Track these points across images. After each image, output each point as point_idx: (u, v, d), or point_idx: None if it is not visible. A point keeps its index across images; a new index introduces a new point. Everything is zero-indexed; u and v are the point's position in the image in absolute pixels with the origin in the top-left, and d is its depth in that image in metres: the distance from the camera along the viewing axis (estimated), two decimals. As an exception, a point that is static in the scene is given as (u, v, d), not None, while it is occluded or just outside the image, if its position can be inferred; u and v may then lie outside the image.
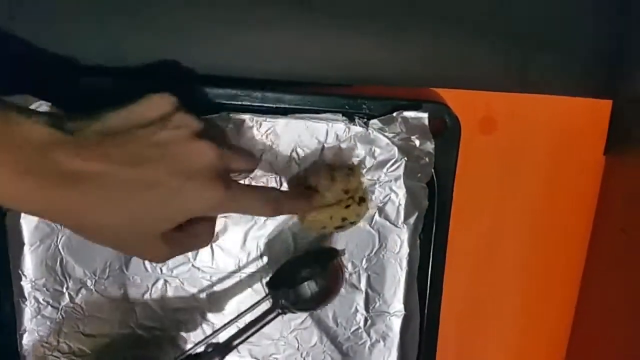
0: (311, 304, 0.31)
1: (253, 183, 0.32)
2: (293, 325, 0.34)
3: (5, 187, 0.20)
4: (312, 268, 0.31)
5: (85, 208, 0.21)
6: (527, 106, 0.35)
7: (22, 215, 0.31)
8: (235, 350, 0.34)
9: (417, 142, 0.32)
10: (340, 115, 0.32)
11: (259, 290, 0.33)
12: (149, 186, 0.22)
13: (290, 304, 0.30)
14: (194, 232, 0.26)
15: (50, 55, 0.30)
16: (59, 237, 0.31)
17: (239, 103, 0.30)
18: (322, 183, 0.30)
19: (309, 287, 0.30)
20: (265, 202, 0.26)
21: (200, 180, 0.23)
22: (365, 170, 0.33)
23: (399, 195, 0.34)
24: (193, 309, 0.33)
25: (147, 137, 0.23)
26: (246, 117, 0.32)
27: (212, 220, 0.28)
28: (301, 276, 0.31)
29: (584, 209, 0.37)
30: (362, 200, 0.31)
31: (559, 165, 0.36)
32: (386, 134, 0.33)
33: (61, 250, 0.31)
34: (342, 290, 0.35)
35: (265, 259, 0.33)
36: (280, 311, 0.31)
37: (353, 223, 0.32)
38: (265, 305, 0.31)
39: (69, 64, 0.30)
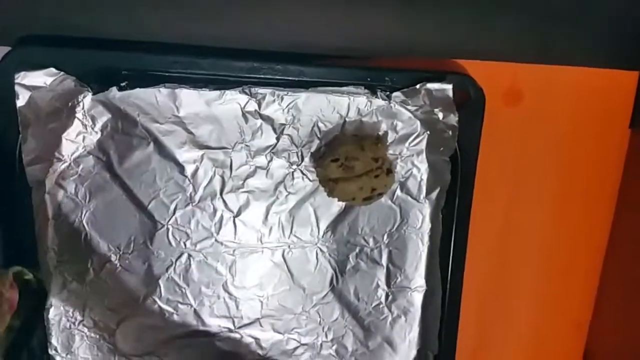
0: None
1: (275, 159, 0.33)
2: (315, 300, 0.34)
3: None
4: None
5: None
6: (552, 78, 0.34)
7: (47, 190, 0.31)
8: (258, 324, 0.34)
9: (441, 115, 0.32)
10: (363, 88, 0.31)
11: (279, 260, 0.33)
12: None
13: None
14: None
15: (72, 28, 0.29)
16: (83, 213, 0.31)
17: (261, 76, 0.30)
18: (351, 153, 0.30)
19: None
20: None
21: None
22: (388, 143, 0.33)
23: (421, 169, 0.34)
24: (216, 282, 0.33)
25: None
26: (267, 91, 0.31)
27: None
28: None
29: (608, 182, 0.36)
30: (389, 171, 0.31)
31: (584, 138, 0.35)
32: (408, 107, 0.33)
33: (85, 226, 0.31)
34: (364, 265, 0.35)
35: (286, 234, 0.33)
36: None
37: (380, 195, 0.31)
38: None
39: (93, 38, 0.30)
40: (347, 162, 0.30)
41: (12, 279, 0.28)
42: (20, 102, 0.28)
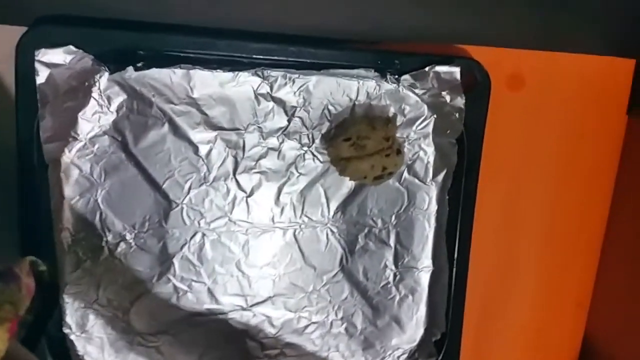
0: None
1: (286, 140, 0.33)
2: (325, 279, 0.35)
3: None
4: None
5: None
6: (553, 64, 0.35)
7: (63, 169, 0.31)
8: (269, 302, 0.35)
9: (448, 98, 0.33)
10: (372, 71, 0.32)
11: (290, 239, 0.34)
12: None
13: None
14: None
15: (90, 8, 0.30)
16: (99, 192, 0.32)
17: (275, 58, 0.31)
18: (363, 132, 0.31)
19: None
20: None
21: None
22: (397, 125, 0.34)
23: (428, 152, 0.35)
24: (229, 261, 0.34)
25: None
26: (279, 74, 0.32)
27: None
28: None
29: (607, 165, 0.38)
30: (399, 151, 0.32)
31: (583, 122, 0.37)
32: (416, 90, 0.34)
33: (100, 204, 0.32)
34: (372, 245, 0.36)
35: (297, 213, 0.34)
36: None
37: (390, 174, 0.32)
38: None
39: (110, 19, 0.30)
40: (359, 141, 0.31)
41: (29, 268, 0.28)
42: (39, 80, 0.28)
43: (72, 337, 0.33)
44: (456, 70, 0.32)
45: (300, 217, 0.34)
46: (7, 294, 0.24)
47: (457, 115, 0.33)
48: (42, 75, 0.28)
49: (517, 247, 0.38)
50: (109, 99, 0.31)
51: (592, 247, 0.39)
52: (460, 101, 0.32)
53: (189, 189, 0.32)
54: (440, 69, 0.32)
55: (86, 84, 0.30)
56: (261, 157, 0.33)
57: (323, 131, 0.33)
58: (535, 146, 0.37)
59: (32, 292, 0.27)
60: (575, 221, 0.38)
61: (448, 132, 0.33)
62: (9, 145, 0.29)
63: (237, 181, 0.33)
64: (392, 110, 0.33)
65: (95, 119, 0.31)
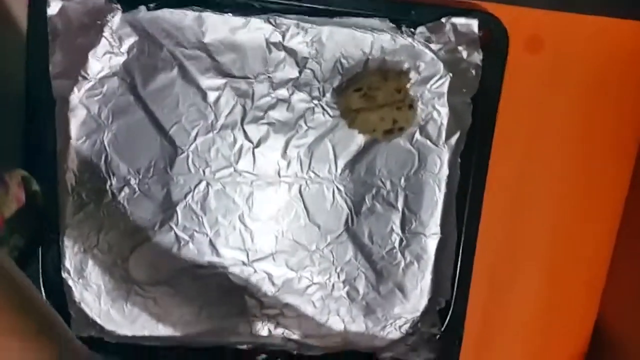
0: None
1: (296, 92, 0.32)
2: (329, 239, 0.34)
3: None
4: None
5: None
6: (575, 26, 0.34)
7: (70, 109, 0.31)
8: (271, 259, 0.34)
9: (465, 54, 0.32)
10: (388, 21, 0.31)
11: (296, 195, 0.33)
12: None
13: None
14: None
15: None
16: (106, 134, 0.32)
17: (287, 2, 0.30)
18: (374, 83, 0.30)
19: None
20: None
21: None
22: (411, 82, 0.32)
23: (442, 113, 0.34)
24: (233, 213, 0.33)
25: None
26: (292, 22, 0.32)
27: None
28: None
29: (627, 137, 0.36)
30: (411, 107, 0.31)
31: (604, 89, 0.35)
32: (432, 46, 0.33)
33: (107, 147, 0.32)
34: (379, 207, 0.34)
35: (304, 168, 0.33)
36: None
37: (401, 130, 0.31)
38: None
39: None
40: (369, 92, 0.30)
41: (21, 181, 0.28)
42: (51, 11, 0.28)
43: (70, 282, 0.33)
44: (474, 22, 0.31)
45: (307, 172, 0.33)
46: None
47: (473, 72, 0.32)
48: (54, 6, 0.28)
49: (529, 217, 0.36)
50: (120, 39, 0.31)
51: (609, 220, 0.37)
52: (477, 57, 0.31)
53: (196, 135, 0.32)
54: (458, 20, 0.31)
55: (98, 22, 0.30)
56: (270, 107, 0.32)
57: (335, 85, 0.33)
58: (552, 112, 0.35)
59: (20, 203, 0.27)
60: (592, 193, 0.36)
61: (464, 90, 0.32)
62: (18, 79, 0.29)
63: (244, 131, 0.32)
64: (406, 65, 0.32)
65: (105, 59, 0.31)
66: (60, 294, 0.33)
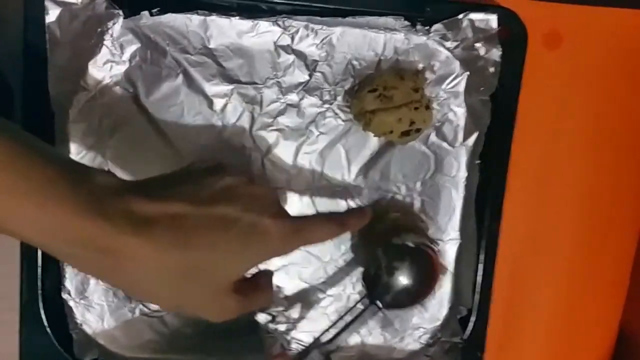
0: (406, 303, 0.32)
1: (306, 96, 0.31)
2: (343, 249, 0.33)
3: (79, 229, 0.20)
4: (406, 261, 0.31)
5: (156, 254, 0.21)
6: (594, 19, 0.33)
7: (71, 119, 0.29)
8: (283, 271, 0.33)
9: (482, 50, 0.30)
10: (402, 19, 0.30)
11: (308, 203, 0.32)
12: (226, 224, 0.22)
13: (385, 305, 0.32)
14: (258, 285, 0.26)
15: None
16: (107, 148, 0.30)
17: (297, 2, 0.29)
18: (390, 82, 0.29)
19: (405, 288, 0.31)
20: (328, 221, 0.27)
21: (268, 215, 0.23)
22: (427, 82, 0.31)
23: (458, 114, 0.33)
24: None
25: (212, 184, 0.23)
26: (301, 25, 0.30)
27: (270, 275, 0.28)
28: (395, 269, 0.31)
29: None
30: (428, 107, 0.30)
31: (625, 85, 0.34)
32: (447, 44, 0.31)
33: (109, 160, 0.30)
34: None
35: (316, 176, 0.32)
36: (376, 307, 0.31)
37: (419, 131, 0.30)
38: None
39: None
40: (385, 92, 0.28)
41: None
42: (49, 18, 0.27)
43: (71, 302, 0.31)
44: (492, 18, 0.29)
45: (319, 179, 0.32)
46: None
47: (491, 69, 0.30)
48: (52, 14, 0.27)
49: (551, 220, 0.35)
50: (121, 47, 0.29)
51: (635, 220, 0.36)
52: (496, 53, 0.30)
53: (203, 145, 0.31)
54: (475, 16, 0.29)
55: (98, 30, 0.29)
56: (279, 113, 0.31)
57: (346, 87, 0.31)
58: (572, 110, 0.34)
59: None
60: (615, 193, 0.35)
61: (482, 89, 0.31)
62: (15, 90, 0.28)
63: (253, 138, 0.31)
64: (421, 65, 0.31)
65: (106, 68, 0.29)
66: (61, 316, 0.31)
